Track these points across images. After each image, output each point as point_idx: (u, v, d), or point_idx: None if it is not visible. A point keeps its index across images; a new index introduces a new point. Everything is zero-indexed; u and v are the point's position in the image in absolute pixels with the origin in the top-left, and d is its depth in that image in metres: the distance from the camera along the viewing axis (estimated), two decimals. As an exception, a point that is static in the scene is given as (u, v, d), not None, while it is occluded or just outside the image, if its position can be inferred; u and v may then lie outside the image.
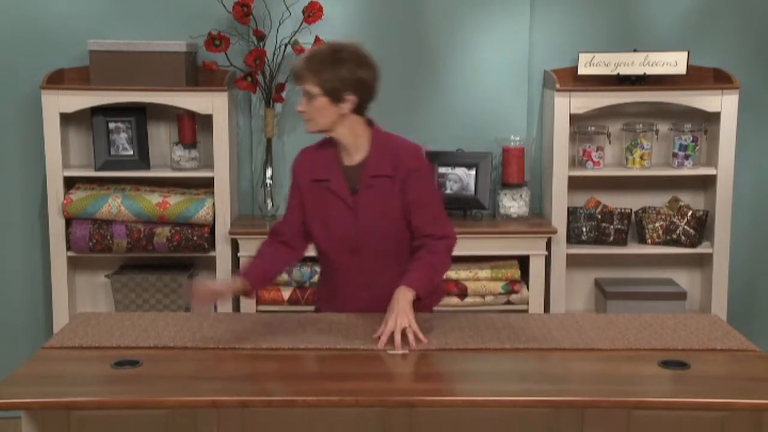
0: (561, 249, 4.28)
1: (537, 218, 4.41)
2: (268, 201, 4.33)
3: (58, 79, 4.17)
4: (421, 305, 2.90)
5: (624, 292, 4.30)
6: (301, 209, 3.04)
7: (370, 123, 2.99)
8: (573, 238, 4.36)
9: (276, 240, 3.09)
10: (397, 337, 2.70)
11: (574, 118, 4.26)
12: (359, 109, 2.92)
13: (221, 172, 4.17)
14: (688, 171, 4.34)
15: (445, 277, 4.15)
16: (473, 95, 4.40)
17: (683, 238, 4.34)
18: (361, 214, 2.94)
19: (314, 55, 2.87)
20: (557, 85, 4.21)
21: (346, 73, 2.84)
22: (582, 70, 4.28)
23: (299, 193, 3.04)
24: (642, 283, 4.41)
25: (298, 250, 3.11)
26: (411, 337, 2.71)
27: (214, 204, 4.15)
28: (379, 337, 2.72)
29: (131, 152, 4.26)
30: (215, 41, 4.17)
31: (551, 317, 3.12)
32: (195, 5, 4.30)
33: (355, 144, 2.96)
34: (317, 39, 4.19)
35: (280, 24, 4.22)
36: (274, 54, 4.22)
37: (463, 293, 4.20)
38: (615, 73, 4.27)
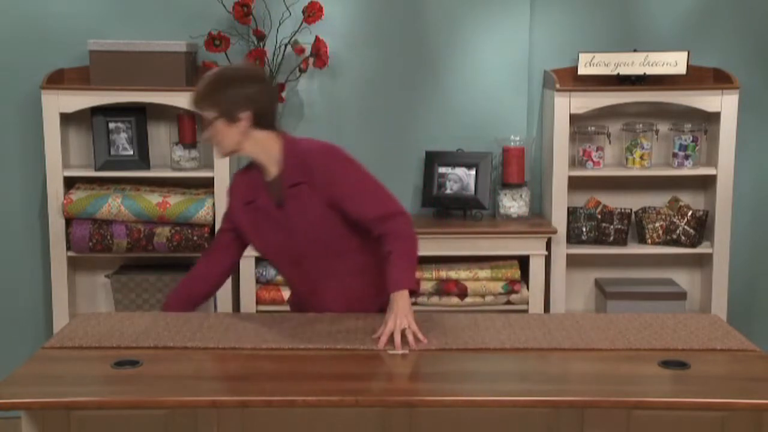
0: (561, 249, 4.28)
1: (537, 218, 4.41)
2: (268, 201, 4.33)
3: (58, 79, 4.17)
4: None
5: (624, 292, 4.30)
6: (232, 231, 3.12)
7: (280, 135, 3.00)
8: (573, 238, 4.36)
9: (210, 251, 3.23)
10: (397, 338, 2.70)
11: (574, 118, 4.26)
12: (261, 124, 2.93)
13: (221, 172, 4.17)
14: (688, 171, 4.34)
15: (445, 276, 4.19)
16: (473, 95, 4.41)
17: (683, 238, 4.34)
18: (291, 226, 2.97)
19: (204, 82, 2.92)
20: (557, 85, 4.21)
21: (234, 91, 2.88)
22: (582, 70, 4.28)
23: (230, 217, 3.11)
24: (642, 283, 4.41)
25: (231, 260, 3.21)
26: (411, 337, 2.72)
27: (214, 204, 4.15)
28: (379, 338, 2.72)
29: (131, 152, 4.26)
30: (215, 41, 4.17)
31: (551, 317, 3.12)
32: (195, 5, 4.30)
33: (269, 159, 2.97)
34: (317, 39, 4.19)
35: (280, 24, 4.22)
36: (274, 54, 4.22)
37: (463, 293, 4.20)
38: (615, 73, 4.27)
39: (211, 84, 2.90)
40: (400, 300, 2.78)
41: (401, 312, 2.75)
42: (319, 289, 3.05)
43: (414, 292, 2.89)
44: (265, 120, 2.93)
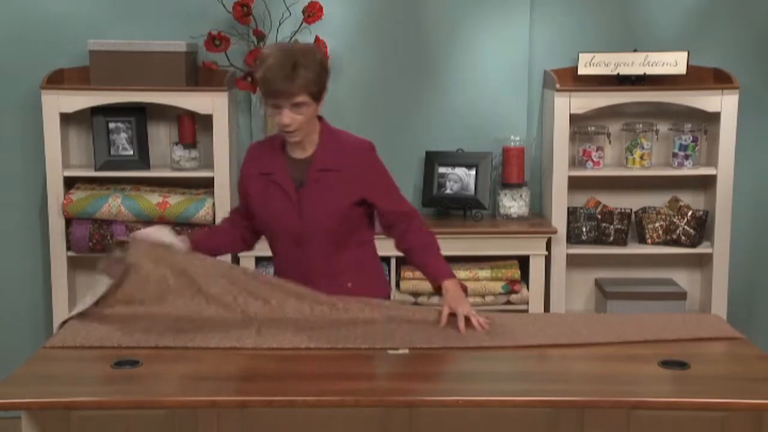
0: (561, 249, 4.28)
1: (537, 218, 4.42)
2: (268, 201, 4.33)
3: (58, 79, 4.17)
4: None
5: (624, 292, 4.30)
6: (244, 199, 3.09)
7: (319, 116, 3.01)
8: (573, 238, 4.36)
9: (234, 224, 3.15)
10: (461, 324, 2.81)
11: (574, 118, 4.26)
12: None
13: (221, 172, 4.17)
14: (688, 171, 4.34)
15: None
16: (473, 95, 4.41)
17: (683, 238, 4.34)
18: (304, 207, 2.96)
19: (295, 66, 2.82)
20: (557, 85, 4.21)
21: (320, 72, 2.87)
22: (582, 70, 4.28)
23: (244, 189, 3.07)
24: (642, 283, 4.41)
25: (247, 243, 3.19)
26: (475, 321, 2.83)
27: (214, 204, 4.15)
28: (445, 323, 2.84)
29: (131, 152, 4.26)
30: (215, 41, 4.17)
31: (551, 317, 3.12)
32: (195, 5, 4.31)
33: (311, 139, 2.97)
34: (317, 39, 4.19)
35: (280, 24, 4.22)
36: (274, 54, 4.22)
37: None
38: (615, 73, 4.27)
39: (316, 68, 2.85)
40: (456, 288, 2.92)
41: (461, 297, 2.88)
42: (310, 280, 3.00)
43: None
44: None
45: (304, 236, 2.98)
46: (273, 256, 3.16)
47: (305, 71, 2.82)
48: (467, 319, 2.84)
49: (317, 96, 2.88)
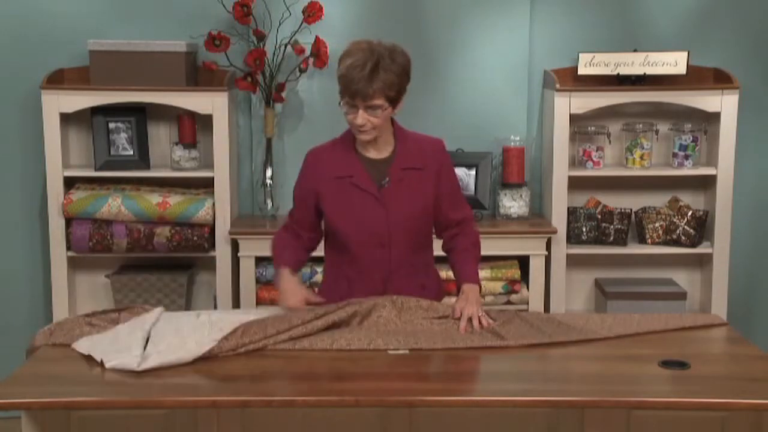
0: (561, 249, 4.28)
1: (537, 218, 4.41)
2: (268, 201, 4.33)
3: (58, 79, 4.17)
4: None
5: (624, 292, 4.30)
6: (311, 208, 3.04)
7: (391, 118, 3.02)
8: (573, 238, 4.36)
9: (300, 237, 3.10)
10: (463, 324, 2.84)
11: (574, 118, 4.26)
12: None
13: (221, 172, 4.17)
14: (688, 171, 4.34)
15: (444, 277, 4.18)
16: (473, 95, 4.40)
17: (683, 238, 4.34)
18: (390, 206, 2.96)
19: (375, 68, 2.80)
20: (557, 85, 4.21)
21: (401, 76, 2.86)
22: (582, 70, 4.28)
23: (313, 192, 3.01)
24: (642, 283, 4.41)
25: (310, 248, 3.15)
26: (476, 322, 2.85)
27: (214, 204, 4.15)
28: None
29: (131, 152, 4.26)
30: (215, 41, 4.17)
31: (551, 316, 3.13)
32: (195, 5, 4.30)
33: (385, 139, 2.99)
34: (317, 39, 4.19)
35: (280, 24, 4.22)
36: (274, 54, 4.22)
37: (463, 293, 4.20)
38: (615, 73, 4.27)
39: (397, 72, 2.84)
40: (473, 291, 2.97)
41: (473, 300, 2.93)
42: (391, 281, 3.00)
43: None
44: None
45: (388, 236, 2.97)
46: (341, 265, 3.07)
47: (385, 74, 2.81)
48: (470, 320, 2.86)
49: (394, 100, 2.87)
